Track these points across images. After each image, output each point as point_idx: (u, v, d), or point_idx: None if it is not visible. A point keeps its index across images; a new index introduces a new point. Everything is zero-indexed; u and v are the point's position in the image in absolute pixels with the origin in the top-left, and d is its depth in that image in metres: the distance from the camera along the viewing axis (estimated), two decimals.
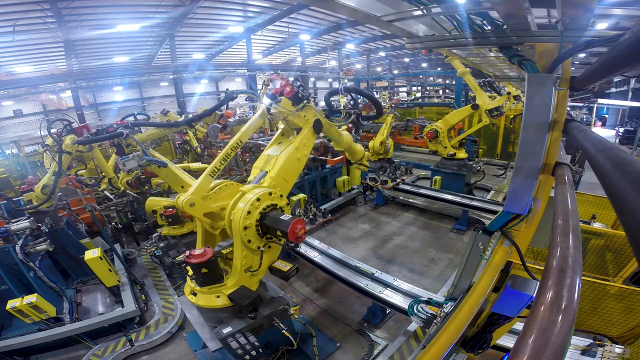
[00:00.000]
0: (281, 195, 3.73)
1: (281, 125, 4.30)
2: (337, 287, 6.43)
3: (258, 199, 3.45)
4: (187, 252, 3.50)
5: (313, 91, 39.36)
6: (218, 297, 3.64)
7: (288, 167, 3.92)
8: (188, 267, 3.65)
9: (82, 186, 8.36)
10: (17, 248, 5.35)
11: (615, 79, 22.62)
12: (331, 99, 5.27)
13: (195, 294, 3.77)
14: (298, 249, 3.81)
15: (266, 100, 4.00)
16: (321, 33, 24.92)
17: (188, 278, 3.94)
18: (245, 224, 3.40)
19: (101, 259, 5.45)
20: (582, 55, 11.79)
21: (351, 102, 5.06)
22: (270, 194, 3.58)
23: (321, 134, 4.51)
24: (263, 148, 8.00)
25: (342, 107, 5.15)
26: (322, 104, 4.83)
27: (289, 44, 27.07)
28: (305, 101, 3.91)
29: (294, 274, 3.73)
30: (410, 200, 10.25)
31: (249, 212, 3.39)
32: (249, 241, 3.48)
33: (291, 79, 3.96)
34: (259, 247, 3.53)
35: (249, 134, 4.12)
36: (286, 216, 3.46)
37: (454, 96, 14.98)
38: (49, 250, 5.77)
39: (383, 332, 5.41)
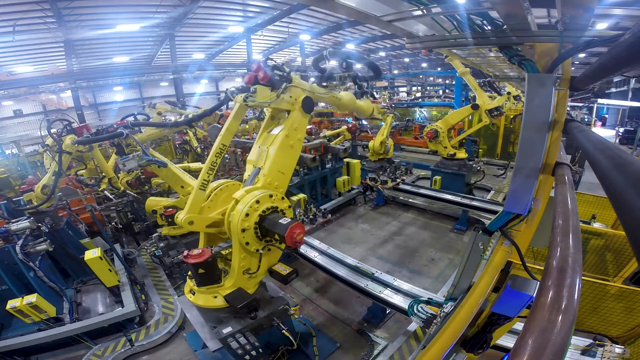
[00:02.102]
0: (283, 198, 3.59)
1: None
2: (337, 287, 6.43)
3: (257, 201, 3.34)
4: (185, 252, 3.49)
5: None
6: (215, 297, 3.61)
7: (282, 158, 3.60)
8: None
9: (82, 186, 8.38)
10: (17, 248, 5.35)
11: (615, 79, 22.62)
12: (319, 64, 4.64)
13: (194, 293, 3.76)
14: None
15: (238, 97, 3.54)
16: (321, 33, 24.88)
17: (188, 277, 3.93)
18: (243, 226, 3.30)
19: (101, 259, 5.45)
20: (582, 55, 11.80)
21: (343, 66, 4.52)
22: (270, 196, 3.46)
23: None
24: None
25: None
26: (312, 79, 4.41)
27: (289, 44, 27.04)
28: (284, 83, 3.39)
29: (294, 277, 3.68)
30: (410, 200, 10.25)
31: (247, 215, 3.29)
32: (247, 243, 3.38)
33: (262, 59, 3.40)
34: (257, 250, 3.43)
35: (229, 138, 3.80)
36: (285, 220, 3.29)
37: (454, 96, 14.98)
38: (49, 250, 5.77)
39: (383, 332, 5.41)
